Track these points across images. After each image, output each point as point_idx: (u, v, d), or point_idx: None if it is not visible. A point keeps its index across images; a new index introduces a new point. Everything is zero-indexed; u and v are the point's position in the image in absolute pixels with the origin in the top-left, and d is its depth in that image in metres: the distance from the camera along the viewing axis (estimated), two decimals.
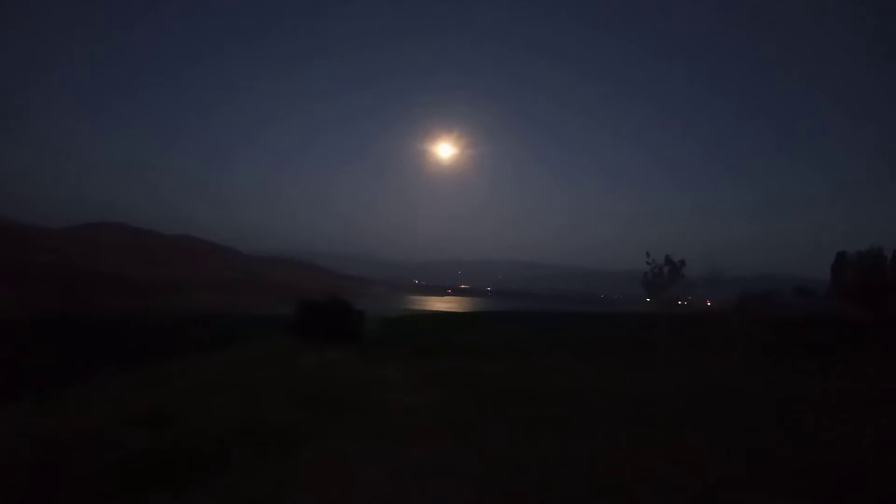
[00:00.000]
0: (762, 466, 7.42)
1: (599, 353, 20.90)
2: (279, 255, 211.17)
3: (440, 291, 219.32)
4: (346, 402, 11.12)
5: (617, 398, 11.79)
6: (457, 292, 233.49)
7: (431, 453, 7.81)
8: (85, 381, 12.51)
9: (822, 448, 8.37)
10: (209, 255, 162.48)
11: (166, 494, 6.22)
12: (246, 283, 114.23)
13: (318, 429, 8.98)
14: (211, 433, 8.41)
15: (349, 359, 17.75)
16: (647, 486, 6.60)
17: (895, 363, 18.14)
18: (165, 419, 9.11)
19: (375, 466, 7.29)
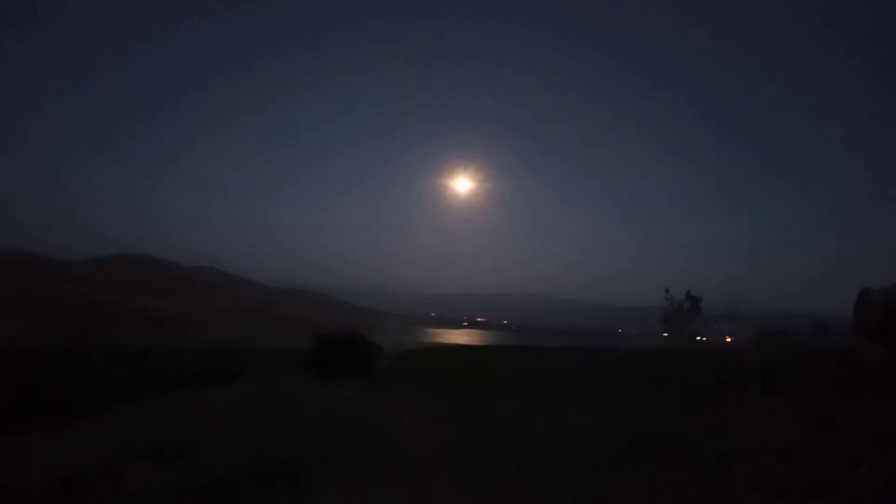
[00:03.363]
0: None
1: (614, 390, 20.58)
2: (298, 287, 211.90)
3: (456, 324, 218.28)
4: (358, 438, 11.10)
5: (627, 435, 11.63)
6: (473, 325, 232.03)
7: (441, 491, 7.85)
8: (98, 413, 12.68)
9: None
10: (229, 288, 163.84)
11: None
12: (264, 316, 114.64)
13: (328, 466, 8.96)
14: (221, 468, 8.47)
15: (362, 394, 17.73)
16: None
17: None
18: (176, 453, 9.19)
19: None
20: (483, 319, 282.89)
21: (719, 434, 12.02)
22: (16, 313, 50.43)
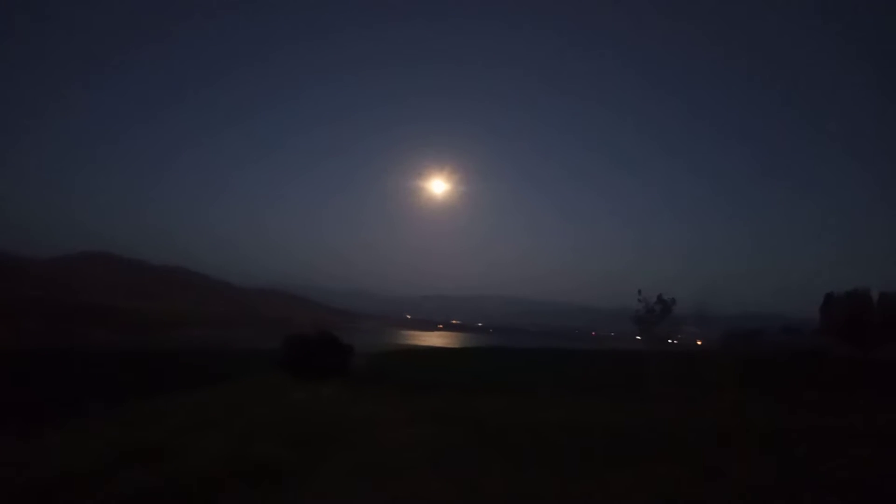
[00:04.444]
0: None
1: (591, 390, 20.87)
2: (271, 288, 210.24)
3: (431, 326, 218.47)
4: (334, 438, 11.12)
5: (606, 434, 11.74)
6: (448, 327, 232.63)
7: (420, 490, 7.88)
8: (73, 416, 12.55)
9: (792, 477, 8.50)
10: (201, 288, 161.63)
11: None
12: (237, 317, 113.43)
13: (307, 465, 8.99)
14: (204, 470, 8.45)
15: (337, 394, 17.73)
16: None
17: (876, 401, 18.29)
18: (155, 455, 9.14)
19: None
20: (458, 322, 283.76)
21: (709, 433, 12.22)
22: None
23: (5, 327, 44.20)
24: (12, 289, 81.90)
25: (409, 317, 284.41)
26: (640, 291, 45.31)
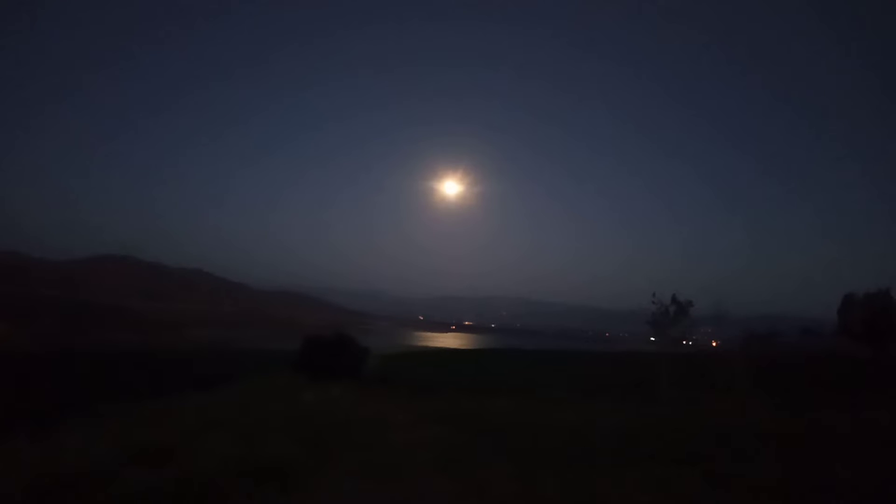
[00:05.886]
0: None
1: (603, 391, 20.75)
2: (287, 290, 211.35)
3: (444, 328, 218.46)
4: (347, 440, 11.13)
5: (615, 436, 11.75)
6: (461, 328, 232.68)
7: (431, 491, 7.90)
8: (86, 416, 12.57)
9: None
10: (218, 290, 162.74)
11: None
12: (253, 318, 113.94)
13: (318, 467, 8.99)
14: (212, 470, 8.45)
15: (352, 396, 17.72)
16: None
17: (885, 402, 17.98)
18: (167, 456, 9.15)
19: None
20: (471, 323, 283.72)
21: (712, 435, 12.20)
22: (4, 314, 49.68)
23: (14, 328, 44.56)
24: (21, 289, 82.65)
25: (421, 318, 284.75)
26: (654, 294, 44.92)
